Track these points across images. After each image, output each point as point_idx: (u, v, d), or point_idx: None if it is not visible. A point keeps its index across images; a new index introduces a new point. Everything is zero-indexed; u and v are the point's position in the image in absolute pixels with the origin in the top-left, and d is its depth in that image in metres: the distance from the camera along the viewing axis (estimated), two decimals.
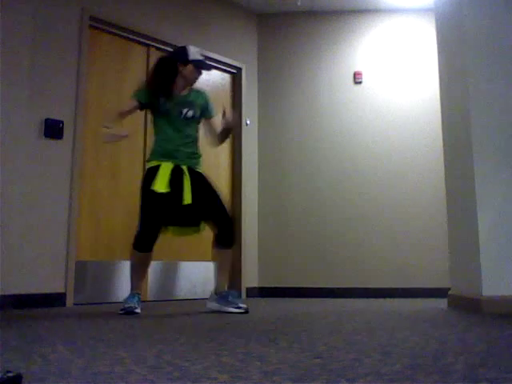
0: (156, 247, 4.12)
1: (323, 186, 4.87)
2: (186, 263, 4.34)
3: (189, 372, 1.19)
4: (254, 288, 4.69)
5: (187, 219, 3.03)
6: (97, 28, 4.00)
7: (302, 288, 4.69)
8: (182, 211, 2.96)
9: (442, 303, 3.45)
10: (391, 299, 4.29)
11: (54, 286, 3.48)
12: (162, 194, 2.87)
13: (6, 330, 2.10)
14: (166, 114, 3.02)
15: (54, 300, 3.45)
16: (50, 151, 3.57)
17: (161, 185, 2.88)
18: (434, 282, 4.51)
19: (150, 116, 4.24)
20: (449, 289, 3.36)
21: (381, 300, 4.19)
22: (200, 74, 3.14)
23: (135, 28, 4.19)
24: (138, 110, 3.16)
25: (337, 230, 4.82)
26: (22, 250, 3.35)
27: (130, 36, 4.20)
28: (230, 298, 2.91)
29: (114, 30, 4.09)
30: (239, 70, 4.92)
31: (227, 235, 2.98)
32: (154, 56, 4.36)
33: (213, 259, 3.09)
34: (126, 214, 4.00)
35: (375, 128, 4.93)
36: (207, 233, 4.50)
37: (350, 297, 4.57)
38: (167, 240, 4.23)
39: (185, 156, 3.02)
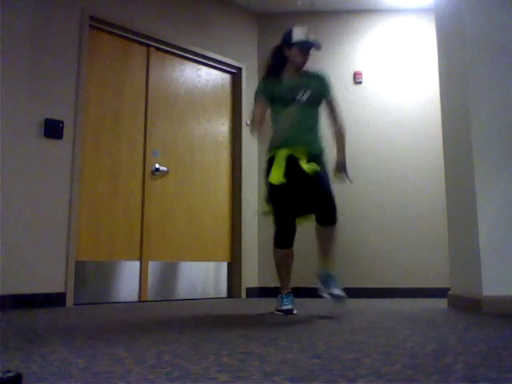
0: (155, 247, 4.14)
1: None
2: (185, 263, 4.34)
3: (189, 372, 1.19)
4: (254, 288, 4.69)
5: (304, 202, 2.86)
6: (97, 28, 4.00)
7: (302, 288, 4.68)
8: (303, 198, 2.81)
9: (442, 303, 3.45)
10: (391, 299, 4.29)
11: (54, 286, 3.48)
12: (280, 185, 2.75)
13: (6, 330, 2.10)
14: (280, 100, 2.90)
15: (53, 300, 3.45)
16: (49, 151, 3.57)
17: (276, 176, 2.76)
18: (434, 282, 4.51)
19: (150, 117, 4.26)
20: (449, 289, 3.36)
21: (381, 300, 4.18)
22: (305, 54, 2.93)
23: (135, 28, 4.19)
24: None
25: (336, 230, 4.81)
26: (22, 250, 3.35)
27: (130, 36, 4.20)
28: (326, 283, 2.82)
29: (114, 30, 4.09)
30: (239, 69, 4.92)
31: (326, 212, 2.80)
32: (154, 56, 4.37)
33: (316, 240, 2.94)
34: (126, 214, 4.00)
35: (375, 128, 4.93)
36: (206, 233, 4.51)
37: (350, 297, 4.56)
38: (167, 240, 4.24)
39: (301, 142, 2.85)
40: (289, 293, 2.94)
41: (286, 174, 2.76)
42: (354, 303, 3.76)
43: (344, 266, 4.72)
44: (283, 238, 2.89)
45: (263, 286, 4.75)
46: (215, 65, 4.77)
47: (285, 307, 2.83)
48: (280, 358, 1.36)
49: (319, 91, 2.95)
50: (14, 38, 3.46)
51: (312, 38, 2.95)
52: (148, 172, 4.17)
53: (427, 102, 4.90)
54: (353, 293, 4.68)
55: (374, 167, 4.86)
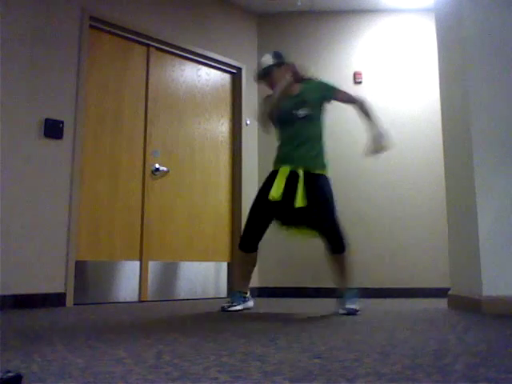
0: (155, 247, 4.14)
1: None
2: (185, 263, 4.34)
3: (189, 372, 1.19)
4: (254, 288, 4.68)
5: (303, 221, 2.95)
6: (97, 28, 4.00)
7: (302, 288, 4.69)
8: (296, 213, 2.89)
9: (442, 303, 3.45)
10: (391, 299, 4.29)
11: (54, 286, 3.48)
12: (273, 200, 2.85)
13: (6, 329, 2.10)
14: (280, 117, 3.01)
15: (54, 300, 3.45)
16: (49, 151, 3.57)
17: (275, 192, 2.85)
18: (434, 282, 4.51)
19: (150, 117, 4.26)
20: (449, 289, 3.36)
21: (381, 300, 4.18)
22: (266, 81, 3.17)
23: (135, 28, 4.18)
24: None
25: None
26: (22, 250, 3.35)
27: (130, 36, 4.20)
28: (342, 299, 2.88)
29: (114, 30, 4.09)
30: (239, 69, 4.92)
31: (331, 243, 2.92)
32: (154, 56, 4.37)
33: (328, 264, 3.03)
34: (126, 214, 4.00)
35: None
36: (206, 233, 4.51)
37: None
38: (167, 240, 4.24)
39: (300, 158, 2.93)
40: (239, 291, 3.09)
41: (284, 192, 2.85)
42: None
43: None
44: (248, 243, 3.03)
45: (263, 286, 4.75)
46: (215, 65, 4.77)
47: (227, 304, 3.03)
48: (280, 358, 1.36)
49: (319, 98, 3.04)
50: (13, 37, 3.46)
51: (265, 61, 3.16)
52: (148, 172, 4.17)
53: (427, 102, 4.90)
54: None
55: (374, 167, 4.86)
